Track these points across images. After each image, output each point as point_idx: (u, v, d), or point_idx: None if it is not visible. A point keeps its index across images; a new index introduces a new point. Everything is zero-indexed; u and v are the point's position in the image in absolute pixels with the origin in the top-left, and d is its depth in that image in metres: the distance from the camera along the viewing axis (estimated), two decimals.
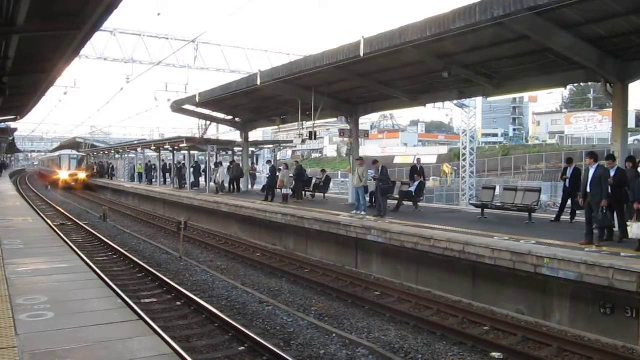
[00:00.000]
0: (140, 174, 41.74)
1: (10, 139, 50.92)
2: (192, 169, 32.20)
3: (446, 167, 53.14)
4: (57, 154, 58.49)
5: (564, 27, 11.30)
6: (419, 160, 21.83)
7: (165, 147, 33.98)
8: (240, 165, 28.85)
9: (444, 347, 8.66)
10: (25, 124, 66.99)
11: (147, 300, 11.15)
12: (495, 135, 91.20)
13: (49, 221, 20.43)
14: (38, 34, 9.19)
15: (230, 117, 28.97)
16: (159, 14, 31.98)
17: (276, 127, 29.85)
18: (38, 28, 8.69)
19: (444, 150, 70.27)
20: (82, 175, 50.95)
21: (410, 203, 18.40)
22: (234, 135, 36.24)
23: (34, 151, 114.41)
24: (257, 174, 31.54)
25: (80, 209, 31.06)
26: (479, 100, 36.98)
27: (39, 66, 12.28)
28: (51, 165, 57.92)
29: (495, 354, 8.38)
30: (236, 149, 32.58)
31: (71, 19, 8.28)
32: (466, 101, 31.64)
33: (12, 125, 32.58)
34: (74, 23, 8.39)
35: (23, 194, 36.64)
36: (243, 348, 8.35)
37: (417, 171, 19.15)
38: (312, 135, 21.45)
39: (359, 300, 11.55)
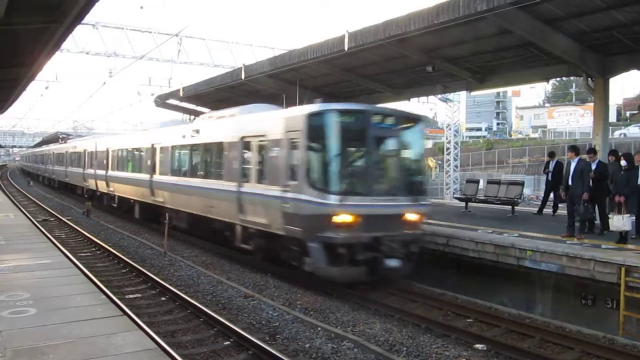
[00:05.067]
0: None
1: None
2: None
3: (430, 161, 53.46)
4: (280, 113, 12.58)
5: (546, 21, 11.41)
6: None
7: None
8: None
9: (428, 340, 8.72)
10: (6, 119, 65.98)
11: (131, 296, 11.07)
12: (479, 129, 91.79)
13: (31, 217, 20.21)
14: (18, 27, 9.07)
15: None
16: (141, 7, 31.78)
17: None
18: (18, 21, 8.57)
19: (428, 144, 70.62)
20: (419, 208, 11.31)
21: None
22: None
23: (15, 146, 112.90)
24: None
25: (62, 204, 30.73)
26: (462, 94, 37.08)
27: (20, 60, 12.13)
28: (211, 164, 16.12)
29: (478, 346, 8.47)
30: None
31: (52, 12, 8.19)
32: (450, 95, 31.77)
33: None
34: (54, 16, 8.30)
35: (4, 190, 36.17)
36: (228, 342, 8.33)
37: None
38: None
39: (343, 294, 11.58)
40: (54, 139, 55.40)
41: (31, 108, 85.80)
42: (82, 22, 10.46)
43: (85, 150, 30.21)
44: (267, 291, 11.74)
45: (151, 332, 7.74)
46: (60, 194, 37.55)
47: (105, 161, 25.05)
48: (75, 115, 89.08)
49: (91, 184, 28.41)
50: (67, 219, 22.37)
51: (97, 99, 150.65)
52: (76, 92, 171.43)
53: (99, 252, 15.96)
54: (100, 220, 23.55)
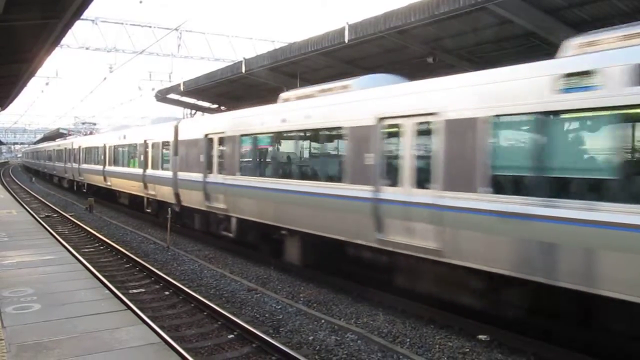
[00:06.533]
0: None
1: None
2: None
3: None
4: None
5: (548, 11, 11.36)
6: None
7: None
8: None
9: (432, 331, 8.74)
10: (7, 116, 66.11)
11: (135, 291, 11.11)
12: None
13: (33, 213, 20.26)
14: (17, 23, 9.06)
15: (215, 106, 28.86)
16: (140, 2, 31.48)
17: None
18: (17, 17, 8.57)
19: None
20: None
21: None
22: None
23: (17, 143, 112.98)
24: None
25: (65, 200, 30.78)
26: None
27: (20, 56, 12.14)
28: None
29: (482, 336, 8.47)
30: None
31: (51, 7, 8.19)
32: None
33: None
34: (54, 11, 8.29)
35: (7, 187, 36.24)
36: (232, 336, 8.36)
37: None
38: None
39: (347, 286, 11.59)
40: (75, 130, 50.43)
41: (32, 104, 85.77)
42: (82, 17, 10.48)
43: (146, 141, 20.78)
44: (270, 284, 11.77)
45: (155, 326, 7.77)
46: (62, 190, 37.54)
47: (201, 157, 15.78)
48: (76, 111, 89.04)
49: (163, 193, 18.97)
50: (70, 215, 22.42)
51: (98, 94, 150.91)
52: (77, 87, 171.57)
53: (102, 247, 16.01)
54: (103, 215, 23.60)
